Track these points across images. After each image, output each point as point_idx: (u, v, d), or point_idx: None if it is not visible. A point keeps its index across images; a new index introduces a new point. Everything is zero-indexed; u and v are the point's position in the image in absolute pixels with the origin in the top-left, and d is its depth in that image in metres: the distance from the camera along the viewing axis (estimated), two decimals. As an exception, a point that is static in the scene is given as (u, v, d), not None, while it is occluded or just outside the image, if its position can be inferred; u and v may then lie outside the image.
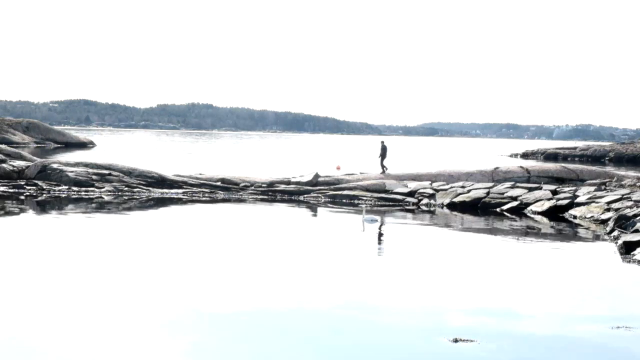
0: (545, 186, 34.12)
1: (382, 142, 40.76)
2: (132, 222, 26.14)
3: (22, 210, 29.34)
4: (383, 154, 39.70)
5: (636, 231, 22.09)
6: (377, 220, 27.71)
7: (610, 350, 11.58)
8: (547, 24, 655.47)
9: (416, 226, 27.58)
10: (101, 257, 18.42)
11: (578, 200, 30.94)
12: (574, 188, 33.45)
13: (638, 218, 23.72)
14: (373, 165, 45.48)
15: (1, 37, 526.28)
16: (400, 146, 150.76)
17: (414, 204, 34.19)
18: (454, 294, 15.16)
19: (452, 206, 33.10)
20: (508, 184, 34.74)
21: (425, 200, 34.31)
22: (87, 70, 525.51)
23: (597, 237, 24.61)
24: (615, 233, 23.69)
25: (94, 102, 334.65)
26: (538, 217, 30.09)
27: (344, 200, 34.61)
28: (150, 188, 35.88)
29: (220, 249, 20.52)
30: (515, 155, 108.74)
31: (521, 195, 32.66)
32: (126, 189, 35.50)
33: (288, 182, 37.82)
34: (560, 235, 25.69)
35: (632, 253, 19.83)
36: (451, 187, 35.20)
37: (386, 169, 39.74)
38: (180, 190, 35.84)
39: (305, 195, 35.81)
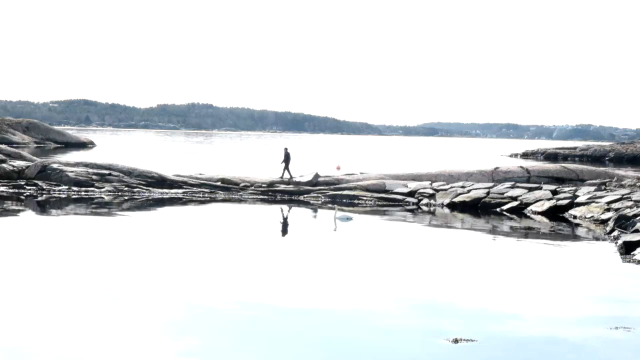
0: (545, 186, 34.12)
1: (286, 148, 39.30)
2: (132, 222, 26.13)
3: (22, 211, 29.36)
4: (286, 160, 38.51)
5: (636, 231, 22.08)
6: (351, 219, 27.65)
7: (610, 350, 11.57)
8: (547, 23, 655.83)
9: (416, 226, 27.58)
10: (102, 257, 18.42)
11: (578, 200, 30.94)
12: (574, 188, 33.44)
13: (638, 218, 23.71)
14: (373, 165, 45.49)
15: (1, 37, 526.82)
16: (400, 146, 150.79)
17: (414, 204, 34.20)
18: (454, 295, 15.16)
19: (452, 206, 33.10)
20: (508, 184, 34.74)
21: (425, 200, 34.32)
22: (87, 70, 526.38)
23: (597, 237, 24.61)
24: (615, 233, 23.68)
25: (94, 102, 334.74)
26: (538, 217, 30.09)
27: (344, 200, 34.60)
28: (150, 188, 35.88)
29: (220, 249, 20.52)
30: (515, 155, 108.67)
31: (521, 195, 32.66)
32: (126, 189, 35.51)
33: (288, 182, 37.83)
34: (560, 236, 25.68)
35: (632, 253, 19.82)
36: (451, 187, 35.20)
37: (291, 175, 38.35)
38: (180, 190, 35.84)
39: (305, 195, 35.81)
